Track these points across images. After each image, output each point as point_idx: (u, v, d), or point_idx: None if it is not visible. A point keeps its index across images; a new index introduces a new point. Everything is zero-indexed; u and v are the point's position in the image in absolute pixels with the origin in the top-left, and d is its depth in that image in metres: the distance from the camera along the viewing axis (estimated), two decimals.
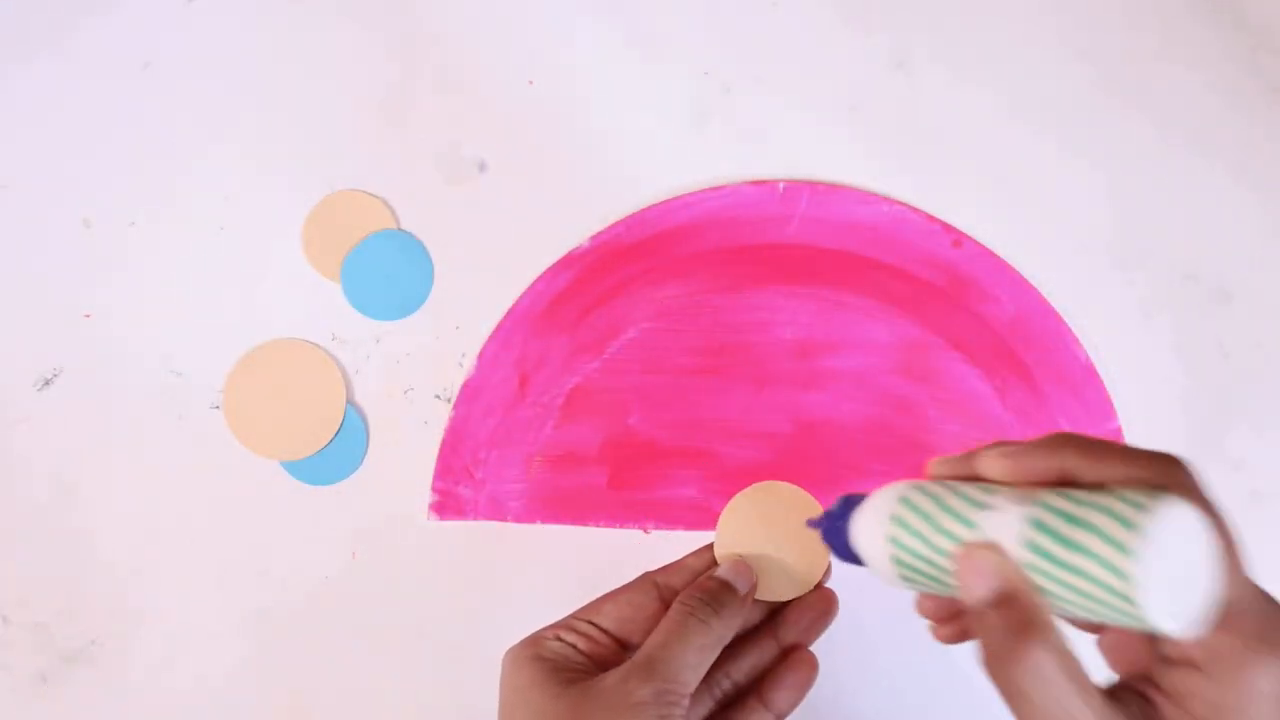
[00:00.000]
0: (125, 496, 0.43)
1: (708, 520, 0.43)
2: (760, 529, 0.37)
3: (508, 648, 0.35)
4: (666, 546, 0.44)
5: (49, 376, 0.44)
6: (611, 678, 0.33)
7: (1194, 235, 0.45)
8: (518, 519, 0.44)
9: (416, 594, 0.44)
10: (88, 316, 0.45)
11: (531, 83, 0.46)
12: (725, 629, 0.35)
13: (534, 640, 0.35)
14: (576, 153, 0.46)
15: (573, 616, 0.36)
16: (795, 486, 0.38)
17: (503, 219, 0.45)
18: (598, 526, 0.44)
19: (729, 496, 0.43)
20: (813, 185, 0.45)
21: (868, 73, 0.46)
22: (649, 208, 0.45)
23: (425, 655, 0.43)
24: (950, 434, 0.44)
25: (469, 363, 0.44)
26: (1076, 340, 0.44)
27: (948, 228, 0.45)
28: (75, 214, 0.45)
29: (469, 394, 0.44)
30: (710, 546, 0.37)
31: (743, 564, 0.37)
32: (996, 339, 0.44)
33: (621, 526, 0.44)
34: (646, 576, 0.37)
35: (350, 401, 0.44)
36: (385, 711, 0.43)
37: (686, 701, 0.33)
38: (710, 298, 0.45)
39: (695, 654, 0.34)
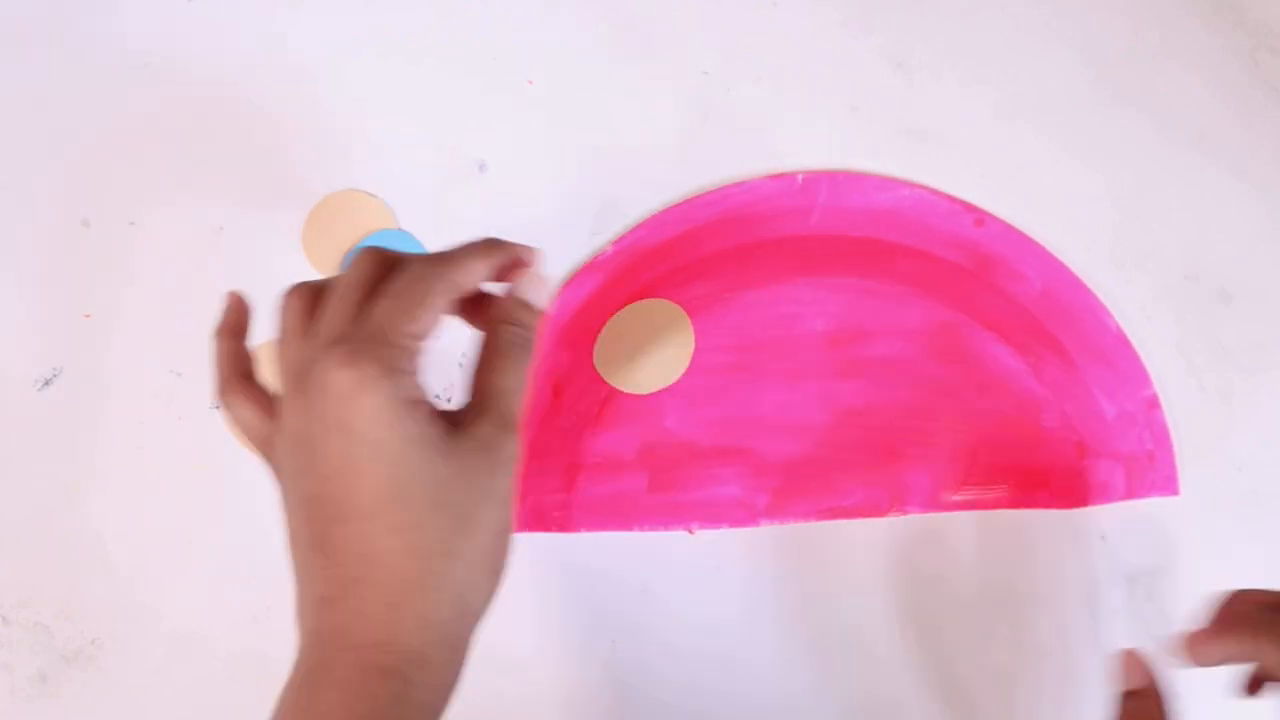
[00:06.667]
0: (125, 496, 0.43)
1: (752, 517, 0.44)
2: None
3: (356, 376, 0.30)
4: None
5: (49, 376, 0.44)
6: (481, 430, 0.32)
7: (1194, 235, 0.45)
8: (561, 529, 0.44)
9: None
10: (88, 316, 0.45)
11: (531, 83, 0.46)
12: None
13: (391, 374, 0.31)
14: (575, 152, 0.46)
15: (395, 333, 0.32)
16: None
17: (503, 219, 0.45)
18: (642, 531, 0.44)
19: (773, 492, 0.43)
20: (830, 174, 0.45)
21: (868, 73, 0.46)
22: (669, 208, 0.45)
23: None
24: (987, 413, 0.44)
25: (470, 363, 0.44)
26: (1106, 310, 0.44)
27: (969, 207, 0.45)
28: (75, 214, 0.45)
29: None
30: (481, 244, 0.36)
31: (540, 279, 0.36)
32: (1026, 315, 0.44)
33: (666, 529, 0.44)
34: (453, 282, 0.34)
35: None
36: None
37: None
38: (738, 295, 0.45)
39: (524, 383, 0.34)
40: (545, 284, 0.37)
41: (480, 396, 0.34)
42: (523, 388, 0.35)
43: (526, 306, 0.36)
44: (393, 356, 0.31)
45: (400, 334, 0.32)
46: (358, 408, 0.31)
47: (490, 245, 0.36)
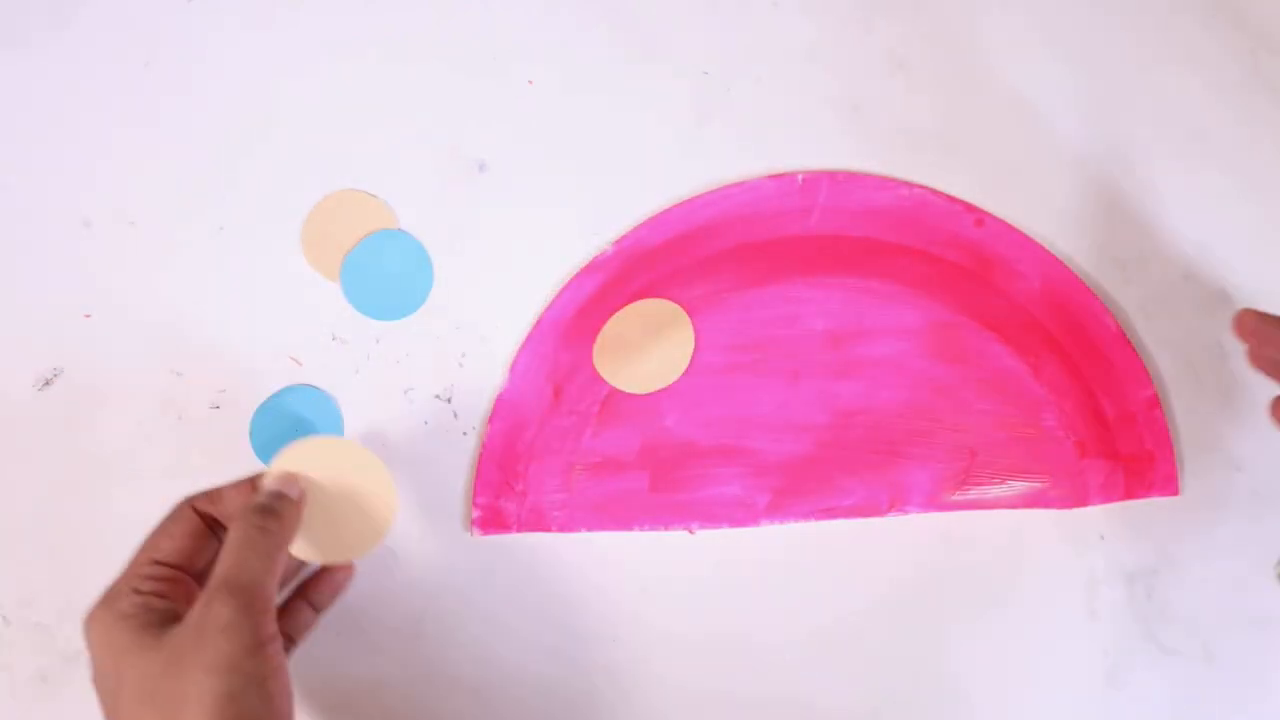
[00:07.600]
0: (125, 497, 0.43)
1: (752, 516, 0.44)
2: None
3: (87, 619, 0.35)
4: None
5: (49, 376, 0.44)
6: (196, 611, 0.34)
7: (1194, 235, 0.45)
8: (561, 529, 0.44)
9: (422, 594, 0.44)
10: (88, 316, 0.45)
11: (531, 83, 0.46)
12: (286, 533, 0.37)
13: (110, 600, 0.36)
14: (576, 152, 0.46)
15: (133, 565, 0.37)
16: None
17: (502, 219, 0.45)
18: (642, 530, 0.44)
19: (773, 492, 0.43)
20: (831, 174, 0.45)
21: (868, 73, 0.46)
22: (671, 208, 0.45)
23: (429, 655, 0.43)
24: (986, 413, 0.44)
25: (470, 363, 0.45)
26: (1105, 309, 0.44)
27: (969, 207, 0.45)
28: (75, 214, 0.45)
29: (503, 408, 0.44)
30: (247, 480, 0.38)
31: (289, 473, 0.38)
32: (1026, 315, 0.45)
33: (666, 529, 0.44)
34: (187, 505, 0.38)
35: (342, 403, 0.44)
36: (385, 712, 0.43)
37: (274, 609, 0.35)
38: (738, 294, 0.45)
39: (264, 561, 0.35)
40: (296, 480, 0.39)
41: (212, 580, 0.35)
42: (267, 568, 0.36)
43: (279, 495, 0.38)
44: (120, 583, 0.36)
45: (136, 563, 0.36)
46: (90, 644, 0.35)
47: (249, 484, 0.38)
